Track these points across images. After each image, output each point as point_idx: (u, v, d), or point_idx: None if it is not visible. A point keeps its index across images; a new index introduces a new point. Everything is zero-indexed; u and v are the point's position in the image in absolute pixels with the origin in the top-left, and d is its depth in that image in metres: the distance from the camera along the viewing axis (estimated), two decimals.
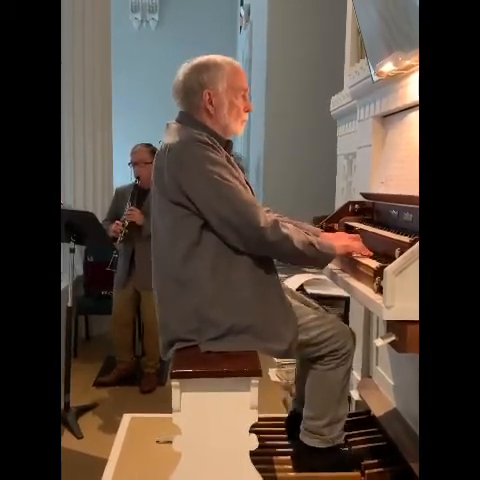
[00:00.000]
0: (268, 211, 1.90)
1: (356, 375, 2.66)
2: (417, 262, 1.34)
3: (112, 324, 3.41)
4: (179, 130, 1.77)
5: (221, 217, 1.68)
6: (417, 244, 1.37)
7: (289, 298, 1.89)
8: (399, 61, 1.90)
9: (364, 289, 1.60)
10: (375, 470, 1.97)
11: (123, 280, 3.32)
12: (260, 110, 5.40)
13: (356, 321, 2.64)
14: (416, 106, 1.97)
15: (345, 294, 2.60)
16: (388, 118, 2.32)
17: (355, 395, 2.58)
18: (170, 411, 1.69)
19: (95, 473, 2.30)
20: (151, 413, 2.86)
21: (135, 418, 2.83)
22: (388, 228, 1.89)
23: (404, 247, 1.50)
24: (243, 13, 7.28)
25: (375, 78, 2.12)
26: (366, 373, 2.62)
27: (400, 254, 1.46)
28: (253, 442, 1.70)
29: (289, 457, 2.05)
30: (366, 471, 1.97)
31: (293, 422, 2.12)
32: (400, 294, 1.37)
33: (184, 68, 1.84)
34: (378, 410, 2.26)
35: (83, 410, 2.92)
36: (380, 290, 1.45)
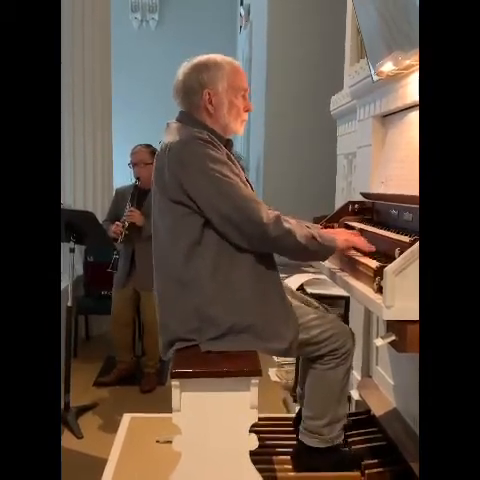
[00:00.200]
0: (269, 208, 1.90)
1: (356, 375, 2.66)
2: (417, 262, 1.34)
3: (112, 324, 3.41)
4: (179, 129, 1.77)
5: (222, 214, 1.68)
6: (417, 244, 1.37)
7: (289, 298, 1.89)
8: (399, 61, 1.90)
9: (364, 289, 1.60)
10: (375, 470, 1.97)
11: (122, 280, 3.32)
12: (260, 110, 5.40)
13: (356, 321, 2.64)
14: (416, 106, 1.97)
15: (345, 294, 2.60)
16: (388, 118, 2.32)
17: (355, 395, 2.58)
18: (170, 411, 1.69)
19: (95, 473, 2.30)
20: (151, 413, 2.86)
21: (135, 418, 2.83)
22: (388, 228, 1.89)
23: (404, 247, 1.49)
24: (243, 13, 7.28)
25: (375, 78, 2.12)
26: (366, 373, 2.62)
27: (400, 254, 1.46)
28: (253, 442, 1.70)
29: (289, 457, 2.05)
30: (366, 471, 1.97)
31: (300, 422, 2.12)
32: (400, 294, 1.37)
33: (184, 68, 1.84)
34: (378, 410, 2.26)
35: (83, 410, 2.92)
36: (380, 290, 1.45)
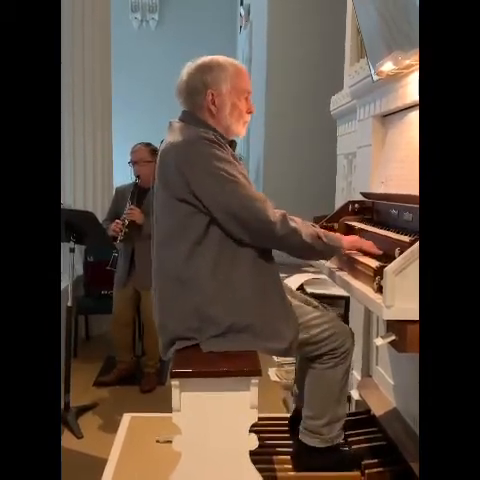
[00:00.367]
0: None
1: (356, 375, 2.66)
2: (417, 262, 1.34)
3: (112, 324, 3.41)
4: (183, 129, 1.78)
5: (228, 212, 1.69)
6: (417, 244, 1.37)
7: (289, 297, 1.89)
8: (399, 60, 1.90)
9: (364, 288, 1.60)
10: (375, 470, 1.97)
11: (123, 280, 3.32)
12: (260, 110, 5.40)
13: (356, 321, 2.64)
14: (416, 105, 1.97)
15: (345, 293, 2.60)
16: (388, 118, 2.32)
17: (355, 395, 2.58)
18: (170, 411, 1.69)
19: (95, 473, 2.30)
20: (151, 413, 2.86)
21: (135, 418, 2.83)
22: (388, 228, 1.89)
23: (404, 247, 1.50)
24: (243, 13, 7.28)
25: (375, 78, 2.12)
26: (366, 373, 2.62)
27: (400, 254, 1.46)
28: (253, 442, 1.70)
29: (289, 457, 2.05)
30: (366, 471, 1.97)
31: (296, 421, 2.13)
32: (400, 294, 1.37)
33: (188, 68, 1.85)
34: (378, 410, 2.26)
35: (83, 410, 2.92)
36: (380, 290, 1.45)
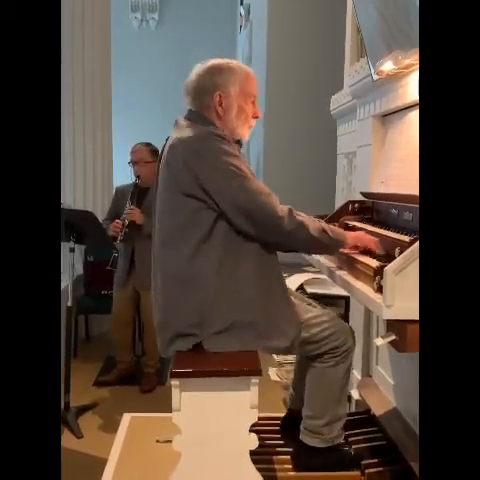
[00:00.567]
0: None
1: (356, 374, 2.66)
2: (417, 261, 1.34)
3: (112, 323, 3.41)
4: (191, 126, 1.79)
5: (236, 206, 1.70)
6: (417, 243, 1.37)
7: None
8: (399, 60, 1.90)
9: (364, 288, 1.60)
10: (375, 469, 1.97)
11: (123, 279, 3.32)
12: (260, 110, 5.38)
13: (356, 320, 2.64)
14: (416, 105, 1.97)
15: (345, 293, 2.60)
16: (388, 117, 2.32)
17: (355, 394, 2.58)
18: (170, 410, 1.69)
19: (95, 473, 2.30)
20: (151, 412, 2.86)
21: (135, 417, 2.83)
22: (388, 227, 1.89)
23: (404, 246, 1.50)
24: (243, 12, 7.28)
25: (375, 77, 2.12)
26: (366, 372, 2.62)
27: (400, 253, 1.46)
28: (253, 441, 1.70)
29: (289, 456, 2.05)
30: (366, 470, 1.97)
31: (289, 422, 2.13)
32: (400, 293, 1.37)
33: (198, 68, 1.87)
34: (378, 409, 2.26)
35: (83, 410, 2.92)
36: (380, 289, 1.45)
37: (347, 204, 2.28)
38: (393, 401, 2.26)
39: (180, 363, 1.70)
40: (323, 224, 1.81)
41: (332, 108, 3.18)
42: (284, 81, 5.24)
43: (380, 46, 2.03)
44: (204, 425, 1.69)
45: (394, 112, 2.22)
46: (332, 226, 1.88)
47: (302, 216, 1.77)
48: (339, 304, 2.90)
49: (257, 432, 1.74)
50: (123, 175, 3.79)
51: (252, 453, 1.71)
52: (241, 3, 7.53)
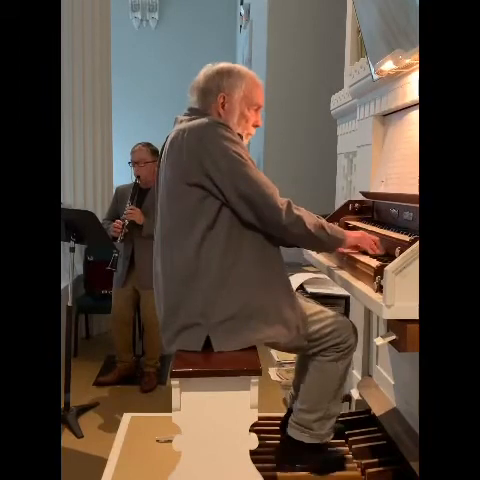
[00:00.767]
0: None
1: (356, 374, 2.66)
2: (417, 261, 1.34)
3: (112, 323, 3.41)
4: (191, 120, 1.79)
5: (240, 194, 1.71)
6: (417, 243, 1.36)
7: None
8: (399, 60, 1.90)
9: (364, 288, 1.60)
10: (375, 469, 1.97)
11: (123, 279, 3.32)
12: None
13: (356, 320, 2.64)
14: (416, 105, 1.97)
15: (345, 293, 2.60)
16: (388, 117, 2.32)
17: (355, 394, 2.58)
18: (170, 410, 1.69)
19: (95, 472, 2.30)
20: (151, 412, 2.86)
21: (135, 417, 2.83)
22: (388, 227, 1.89)
23: (404, 246, 1.50)
24: (243, 12, 7.28)
25: (375, 77, 2.12)
26: (366, 372, 2.62)
27: (400, 253, 1.46)
28: (253, 441, 1.70)
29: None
30: (366, 470, 1.97)
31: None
32: (400, 293, 1.37)
33: (207, 69, 1.88)
34: (378, 409, 2.26)
35: (83, 409, 2.92)
36: (380, 289, 1.45)
37: (347, 204, 2.28)
38: (393, 401, 2.26)
39: (180, 363, 1.69)
40: (322, 220, 1.81)
41: (332, 108, 3.18)
42: (284, 81, 5.24)
43: (380, 46, 2.03)
44: (204, 425, 1.69)
45: (394, 112, 2.22)
46: (333, 224, 1.88)
47: (301, 210, 1.77)
48: (339, 304, 2.89)
49: (257, 432, 1.74)
50: (123, 175, 3.79)
51: (252, 453, 1.71)
52: (241, 3, 7.53)
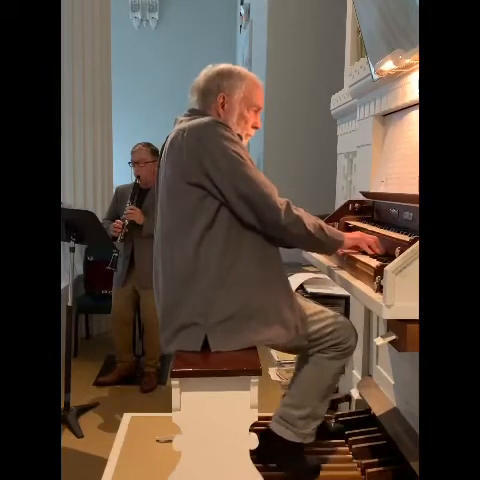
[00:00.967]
0: None
1: (356, 374, 2.66)
2: (417, 261, 1.34)
3: (112, 323, 3.42)
4: (191, 120, 1.79)
5: (240, 194, 1.71)
6: (417, 243, 1.36)
7: None
8: (399, 60, 1.90)
9: (364, 288, 1.60)
10: (375, 469, 1.97)
11: (122, 279, 3.32)
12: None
13: (356, 320, 2.64)
14: (416, 105, 1.97)
15: (345, 293, 2.60)
16: (388, 117, 2.32)
17: (355, 394, 2.58)
18: (170, 410, 1.69)
19: (95, 472, 2.30)
20: (151, 412, 2.86)
21: (135, 417, 2.83)
22: (388, 227, 1.89)
23: (404, 246, 1.49)
24: (243, 12, 7.27)
25: (375, 77, 2.12)
26: (366, 372, 2.62)
27: (400, 253, 1.46)
28: (253, 441, 1.70)
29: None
30: (366, 470, 1.97)
31: None
32: (400, 293, 1.37)
33: (208, 69, 1.89)
34: (378, 409, 2.26)
35: (83, 409, 2.92)
36: (380, 289, 1.45)
37: (347, 204, 2.28)
38: (393, 401, 2.26)
39: (180, 363, 1.69)
40: (321, 222, 1.82)
41: (332, 108, 3.18)
42: (284, 81, 5.24)
43: (380, 46, 2.03)
44: (204, 425, 1.69)
45: (394, 112, 2.22)
46: (331, 227, 1.88)
47: (300, 211, 1.77)
48: (339, 304, 2.89)
49: (257, 432, 1.74)
50: (123, 175, 3.79)
51: (252, 453, 1.71)
52: (241, 3, 7.53)
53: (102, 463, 2.38)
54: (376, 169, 2.33)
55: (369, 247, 1.82)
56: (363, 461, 2.01)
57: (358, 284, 1.66)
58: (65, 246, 2.92)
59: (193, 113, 1.86)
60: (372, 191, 2.27)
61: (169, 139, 1.82)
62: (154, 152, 3.33)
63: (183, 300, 1.75)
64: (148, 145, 3.36)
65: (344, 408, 2.66)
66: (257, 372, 1.65)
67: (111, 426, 2.77)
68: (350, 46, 2.90)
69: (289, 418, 1.92)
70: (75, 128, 4.13)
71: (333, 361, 1.89)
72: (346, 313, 2.83)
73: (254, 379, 1.66)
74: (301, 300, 1.95)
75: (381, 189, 2.17)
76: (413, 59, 1.83)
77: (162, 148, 1.89)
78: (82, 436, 2.67)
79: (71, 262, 2.84)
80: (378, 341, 1.45)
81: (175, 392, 1.67)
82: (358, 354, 2.58)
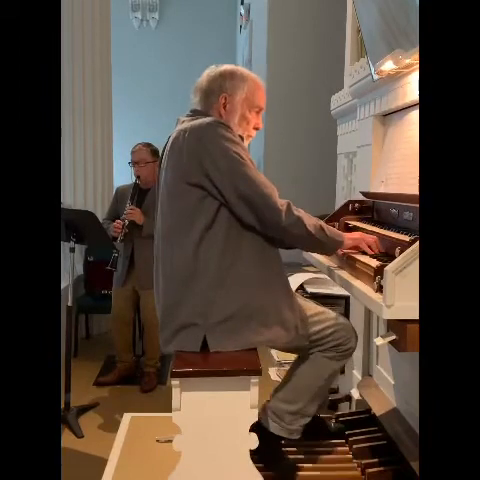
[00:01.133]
0: None
1: (356, 374, 2.66)
2: (417, 261, 1.34)
3: (112, 322, 3.42)
4: (192, 120, 1.79)
5: (240, 195, 1.71)
6: (417, 243, 1.36)
7: None
8: (399, 60, 1.90)
9: (364, 288, 1.60)
10: (375, 469, 1.97)
11: (122, 279, 3.32)
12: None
13: (356, 320, 2.64)
14: (416, 105, 1.97)
15: (345, 293, 2.60)
16: (388, 117, 2.32)
17: (355, 394, 2.58)
18: (170, 410, 1.69)
19: (95, 472, 2.30)
20: (151, 412, 2.86)
21: (135, 417, 2.83)
22: (388, 227, 1.89)
23: (404, 246, 1.49)
24: (243, 12, 7.27)
25: (375, 77, 2.12)
26: (366, 372, 2.62)
27: (400, 253, 1.46)
28: (253, 441, 1.70)
29: (290, 456, 2.04)
30: (366, 470, 1.97)
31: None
32: (400, 293, 1.36)
33: (211, 70, 1.89)
34: (378, 409, 2.26)
35: (83, 409, 2.92)
36: (380, 289, 1.45)
37: (347, 204, 2.28)
38: (393, 401, 2.26)
39: (180, 363, 1.69)
40: (321, 222, 1.82)
41: (332, 108, 3.18)
42: (284, 81, 5.24)
43: (380, 46, 2.03)
44: (204, 425, 1.69)
45: (394, 112, 2.22)
46: (331, 227, 1.88)
47: (301, 212, 1.77)
48: (339, 304, 2.89)
49: (257, 432, 1.74)
50: (123, 175, 3.79)
51: (252, 453, 1.71)
52: (241, 3, 7.53)
53: (102, 463, 2.38)
54: (376, 169, 2.33)
55: (369, 247, 1.82)
56: (363, 461, 2.01)
57: (358, 284, 1.66)
58: (65, 246, 2.92)
59: (195, 113, 1.86)
60: (372, 191, 2.27)
61: (170, 139, 1.82)
62: (154, 152, 3.33)
63: (183, 300, 1.75)
64: (148, 145, 3.36)
65: (344, 408, 2.66)
66: (257, 372, 1.65)
67: (111, 426, 2.77)
68: (350, 46, 2.90)
69: (278, 411, 1.92)
70: (75, 128, 4.13)
71: (332, 361, 1.89)
72: (346, 313, 2.83)
73: (254, 379, 1.66)
74: (302, 301, 1.94)
75: (381, 189, 2.17)
76: (413, 59, 1.83)
77: (164, 148, 1.89)
78: (82, 436, 2.67)
79: (71, 262, 2.84)
80: (378, 341, 1.45)
81: (175, 392, 1.67)
82: (358, 354, 2.58)
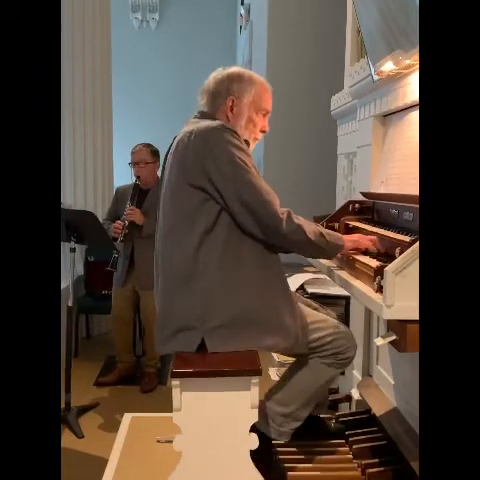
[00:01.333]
0: None
1: (356, 374, 2.66)
2: (417, 261, 1.34)
3: (112, 323, 3.42)
4: (200, 122, 1.80)
5: (243, 202, 1.70)
6: (417, 243, 1.37)
7: None
8: (399, 60, 1.90)
9: (364, 288, 1.60)
10: (375, 469, 1.97)
11: (122, 279, 3.32)
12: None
13: (356, 320, 2.64)
14: (416, 105, 1.97)
15: (345, 293, 2.60)
16: (388, 117, 2.32)
17: (355, 394, 2.58)
18: (171, 410, 1.69)
19: (95, 473, 2.30)
20: (152, 412, 2.87)
21: (136, 417, 2.83)
22: (388, 227, 1.89)
23: (404, 246, 1.49)
24: (243, 13, 7.27)
25: (375, 77, 2.12)
26: (366, 372, 2.62)
27: (400, 253, 1.46)
28: (253, 441, 1.70)
29: (289, 456, 2.04)
30: (366, 470, 1.97)
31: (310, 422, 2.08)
32: (400, 293, 1.37)
33: (218, 73, 1.89)
34: (378, 409, 2.26)
35: (84, 409, 2.92)
36: (380, 289, 1.45)
37: (347, 204, 2.28)
38: (393, 401, 2.26)
39: (180, 363, 1.70)
40: (321, 228, 1.81)
41: (332, 108, 3.18)
42: (284, 81, 5.24)
43: (380, 46, 2.03)
44: (204, 425, 1.69)
45: (394, 112, 2.23)
46: (330, 230, 1.88)
47: (300, 219, 1.76)
48: (339, 304, 2.89)
49: (257, 432, 1.74)
50: (123, 176, 3.79)
51: (252, 453, 1.71)
52: (241, 3, 7.53)
53: (102, 463, 2.39)
54: (376, 169, 2.33)
55: (368, 248, 1.83)
56: (363, 461, 2.01)
57: (358, 284, 1.66)
58: (65, 246, 2.93)
59: (202, 115, 1.86)
60: (372, 191, 2.27)
61: (176, 140, 1.82)
62: (154, 153, 3.33)
63: (181, 300, 1.75)
64: (148, 146, 3.36)
65: (344, 408, 2.66)
66: (257, 372, 1.65)
67: (111, 426, 2.77)
68: (350, 47, 2.91)
69: (270, 412, 1.92)
70: (75, 128, 4.13)
71: (330, 368, 1.89)
72: (346, 313, 2.83)
73: (254, 379, 1.66)
74: (302, 307, 1.94)
75: (381, 189, 2.17)
76: (413, 60, 1.83)
77: (168, 149, 1.89)
78: (82, 436, 2.67)
79: (71, 262, 2.84)
80: (378, 341, 1.45)
81: (175, 392, 1.67)
82: (358, 354, 2.57)
